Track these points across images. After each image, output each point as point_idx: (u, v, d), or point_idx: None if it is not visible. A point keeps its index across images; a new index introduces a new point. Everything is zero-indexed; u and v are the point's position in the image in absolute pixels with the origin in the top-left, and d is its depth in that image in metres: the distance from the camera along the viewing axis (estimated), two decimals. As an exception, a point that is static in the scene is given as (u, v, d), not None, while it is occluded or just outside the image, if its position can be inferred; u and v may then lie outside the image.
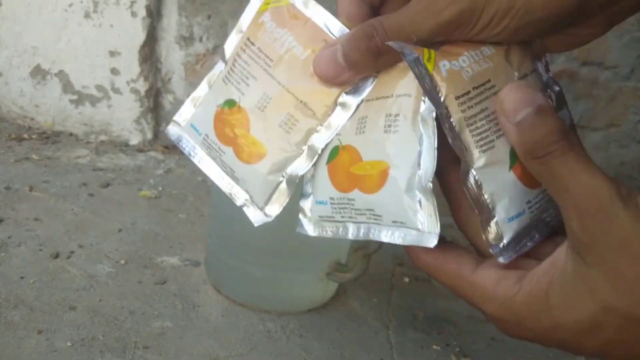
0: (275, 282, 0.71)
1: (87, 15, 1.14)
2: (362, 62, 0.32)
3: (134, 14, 1.12)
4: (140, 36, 1.13)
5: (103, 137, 1.23)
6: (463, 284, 0.34)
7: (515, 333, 0.33)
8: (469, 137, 0.31)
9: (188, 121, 0.40)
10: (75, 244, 0.79)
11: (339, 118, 0.35)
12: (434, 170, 0.32)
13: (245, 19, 0.38)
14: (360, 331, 0.71)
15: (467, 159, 0.31)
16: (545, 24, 0.30)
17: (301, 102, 0.35)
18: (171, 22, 1.15)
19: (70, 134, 1.23)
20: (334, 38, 0.35)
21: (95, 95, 1.20)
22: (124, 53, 1.15)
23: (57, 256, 0.75)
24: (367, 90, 0.35)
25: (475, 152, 0.31)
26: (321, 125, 0.36)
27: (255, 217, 0.39)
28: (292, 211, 0.65)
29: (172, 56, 1.17)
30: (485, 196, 0.31)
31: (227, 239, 0.71)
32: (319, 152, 0.36)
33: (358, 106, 0.35)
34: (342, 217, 0.36)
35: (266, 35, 0.36)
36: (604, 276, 0.27)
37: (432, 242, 0.33)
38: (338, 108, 0.35)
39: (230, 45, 0.38)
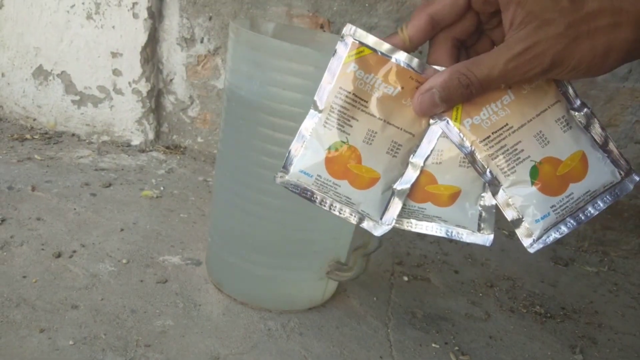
0: (276, 281, 0.71)
1: (89, 17, 1.14)
2: (457, 102, 0.41)
3: (135, 16, 1.13)
4: (142, 37, 1.14)
5: (105, 138, 1.23)
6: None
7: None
8: (494, 167, 0.42)
9: (295, 168, 0.44)
10: (77, 243, 0.80)
11: (434, 134, 0.43)
12: None
13: (332, 71, 0.43)
14: (360, 329, 0.72)
15: (496, 183, 0.43)
16: (602, 73, 0.38)
17: (401, 129, 0.43)
18: (172, 23, 1.15)
19: (73, 134, 1.24)
20: (419, 73, 0.42)
21: (97, 95, 1.20)
22: (126, 54, 1.16)
23: (59, 255, 0.76)
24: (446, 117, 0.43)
25: (502, 177, 0.43)
26: (420, 143, 0.44)
27: (375, 229, 0.46)
28: (292, 211, 0.65)
29: (174, 57, 1.18)
30: (514, 206, 0.43)
31: (228, 238, 0.72)
32: (422, 164, 0.44)
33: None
34: (409, 216, 0.47)
35: (357, 82, 0.42)
36: None
37: (489, 241, 0.45)
38: (431, 127, 0.43)
39: (322, 95, 0.43)
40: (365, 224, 0.46)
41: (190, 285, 0.74)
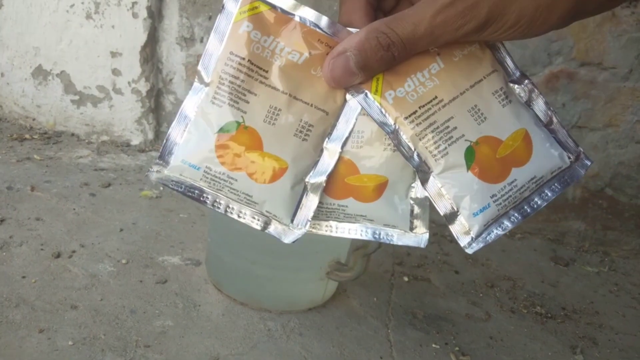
0: (276, 281, 0.71)
1: (88, 17, 1.14)
2: (377, 68, 0.33)
3: (135, 15, 1.12)
4: (142, 37, 1.14)
5: (104, 138, 1.23)
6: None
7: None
8: (423, 150, 0.35)
9: (177, 159, 0.35)
10: (76, 243, 0.80)
11: (352, 111, 0.35)
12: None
13: (220, 32, 0.34)
14: (360, 330, 0.71)
15: (425, 169, 0.35)
16: (543, 32, 0.32)
17: (311, 105, 0.34)
18: (172, 23, 1.15)
19: (72, 134, 1.23)
20: (330, 36, 0.34)
21: (96, 95, 1.20)
22: (125, 54, 1.16)
23: (58, 255, 0.76)
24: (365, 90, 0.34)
25: (432, 161, 0.35)
26: (336, 123, 0.35)
27: (285, 235, 0.37)
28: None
29: (173, 57, 1.18)
30: (448, 197, 0.35)
31: (227, 239, 0.71)
32: (339, 150, 0.36)
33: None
34: (328, 217, 0.38)
35: (253, 46, 0.33)
36: None
37: (423, 241, 0.38)
38: (348, 103, 0.35)
39: (208, 63, 0.34)
40: (272, 229, 0.37)
41: (190, 286, 0.74)
